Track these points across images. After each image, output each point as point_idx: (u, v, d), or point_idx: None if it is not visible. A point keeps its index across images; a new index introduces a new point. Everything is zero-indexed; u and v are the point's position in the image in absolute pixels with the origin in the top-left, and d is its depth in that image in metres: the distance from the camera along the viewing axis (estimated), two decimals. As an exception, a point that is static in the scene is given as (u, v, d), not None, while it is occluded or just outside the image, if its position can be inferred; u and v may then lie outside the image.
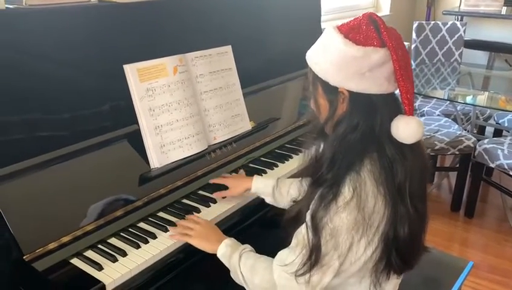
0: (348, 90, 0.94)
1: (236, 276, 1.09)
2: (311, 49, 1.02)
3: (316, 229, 0.93)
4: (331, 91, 0.97)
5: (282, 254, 1.03)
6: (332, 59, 0.94)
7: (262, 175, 1.52)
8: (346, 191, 0.92)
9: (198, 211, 1.31)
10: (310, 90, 1.04)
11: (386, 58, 0.91)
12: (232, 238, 1.16)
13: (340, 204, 0.92)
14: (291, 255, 0.99)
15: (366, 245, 0.95)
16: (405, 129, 0.92)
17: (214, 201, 1.35)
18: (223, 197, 1.37)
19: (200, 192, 1.41)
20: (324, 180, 0.95)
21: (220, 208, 1.33)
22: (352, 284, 1.04)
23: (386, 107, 0.95)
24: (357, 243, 0.94)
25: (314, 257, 0.93)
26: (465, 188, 2.81)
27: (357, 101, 0.94)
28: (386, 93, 0.95)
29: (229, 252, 1.11)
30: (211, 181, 1.42)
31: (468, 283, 2.11)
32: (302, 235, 0.98)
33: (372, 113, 0.94)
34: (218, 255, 1.13)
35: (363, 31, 0.92)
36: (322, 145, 1.02)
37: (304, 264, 0.95)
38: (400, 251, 0.97)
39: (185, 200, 1.36)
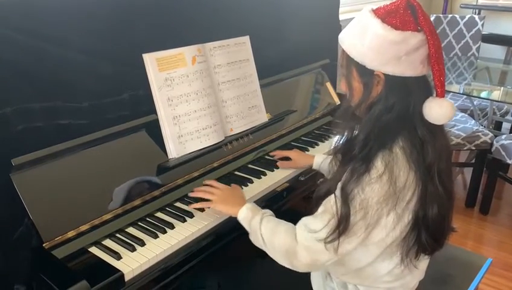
0: (383, 73, 0.96)
1: (256, 238, 1.11)
2: (346, 33, 1.01)
3: (346, 199, 0.95)
4: (367, 74, 0.98)
5: (306, 219, 1.05)
6: (370, 43, 0.95)
7: (278, 167, 1.51)
8: (379, 165, 0.94)
9: (215, 202, 1.30)
10: (343, 73, 1.05)
11: (422, 43, 0.93)
12: (253, 203, 1.19)
13: (374, 176, 0.94)
14: (318, 222, 1.01)
15: (395, 219, 0.97)
16: (439, 110, 0.94)
17: (231, 192, 1.35)
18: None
19: (217, 183, 1.40)
20: (357, 158, 0.96)
21: (237, 200, 1.32)
22: (382, 260, 1.05)
23: (419, 89, 0.97)
24: (386, 216, 0.96)
25: (342, 227, 0.95)
26: (480, 184, 2.77)
27: (392, 83, 0.96)
28: (419, 75, 0.96)
29: (250, 215, 1.13)
30: (272, 153, 1.54)
31: (483, 280, 2.09)
32: (330, 204, 0.99)
33: (406, 95, 0.96)
34: (239, 219, 1.15)
35: (400, 15, 0.93)
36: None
37: (332, 232, 0.97)
38: (430, 229, 0.99)
39: (201, 191, 1.35)
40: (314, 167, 1.45)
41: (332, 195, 0.99)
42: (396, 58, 0.93)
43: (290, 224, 1.08)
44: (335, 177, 1.02)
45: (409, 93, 0.96)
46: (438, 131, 0.98)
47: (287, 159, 1.51)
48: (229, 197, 1.21)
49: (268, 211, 1.16)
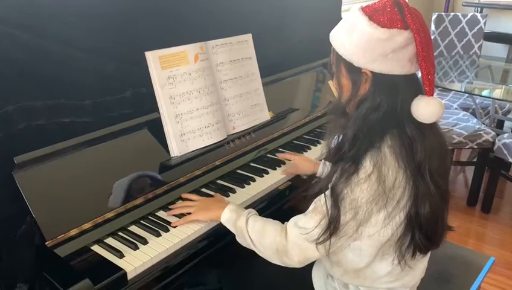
0: (371, 71, 0.95)
1: (243, 239, 1.11)
2: (335, 30, 1.02)
3: (336, 200, 0.95)
4: (355, 72, 0.98)
5: (296, 217, 1.06)
6: (357, 41, 0.95)
7: (281, 166, 1.50)
8: (368, 165, 0.94)
9: (217, 200, 1.29)
10: (333, 70, 1.05)
11: (409, 41, 0.93)
12: (235, 203, 1.19)
13: (362, 176, 0.93)
14: (309, 220, 1.02)
15: (386, 218, 0.96)
16: (426, 109, 0.93)
17: (234, 191, 1.34)
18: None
19: (219, 181, 1.40)
20: (346, 157, 0.96)
21: (240, 198, 1.31)
22: (380, 262, 1.05)
23: (407, 87, 0.96)
24: (376, 215, 0.96)
25: (333, 227, 0.96)
26: (482, 183, 2.77)
27: (380, 81, 0.96)
28: (407, 74, 0.96)
29: (234, 216, 1.13)
30: (279, 155, 1.52)
31: (485, 279, 2.08)
32: (320, 203, 1.00)
33: (394, 93, 0.95)
34: (223, 221, 1.15)
35: (387, 13, 0.93)
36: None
37: (323, 233, 0.97)
38: (423, 228, 0.98)
39: (203, 190, 1.35)
40: (318, 174, 1.44)
41: (323, 194, 1.00)
42: (383, 55, 0.93)
43: (277, 222, 1.09)
44: (327, 176, 1.01)
45: (396, 91, 0.95)
46: (427, 130, 0.97)
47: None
48: (208, 204, 1.21)
49: (252, 211, 1.16)
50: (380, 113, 0.95)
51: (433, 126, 0.99)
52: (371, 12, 0.94)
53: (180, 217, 1.19)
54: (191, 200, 1.25)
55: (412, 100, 0.95)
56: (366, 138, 0.95)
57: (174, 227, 1.16)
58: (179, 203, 1.25)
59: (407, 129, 0.95)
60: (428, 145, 0.96)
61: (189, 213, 1.19)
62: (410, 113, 0.95)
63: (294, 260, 1.04)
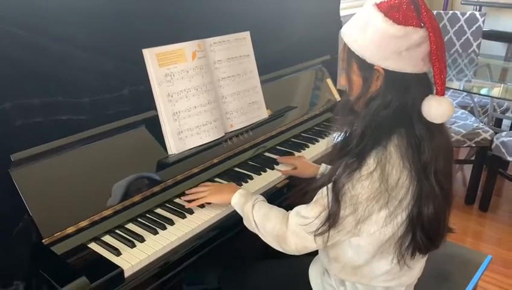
0: (383, 69, 0.95)
1: (249, 223, 1.15)
2: (348, 26, 1.01)
3: (338, 194, 0.96)
4: (367, 68, 0.97)
5: (300, 207, 1.08)
6: (371, 37, 0.94)
7: (278, 164, 1.50)
8: (371, 162, 0.94)
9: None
10: (343, 66, 1.04)
11: (423, 39, 0.92)
12: (246, 189, 1.23)
13: (364, 173, 0.93)
14: (310, 210, 1.03)
15: (387, 217, 0.96)
16: (438, 109, 0.93)
17: (231, 189, 1.34)
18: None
19: (217, 179, 1.40)
20: (351, 152, 0.96)
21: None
22: (378, 260, 1.05)
23: (419, 86, 0.96)
24: (377, 213, 0.96)
25: (332, 220, 0.97)
26: (480, 181, 2.77)
27: (392, 79, 0.95)
28: (419, 72, 0.96)
29: (242, 200, 1.17)
30: (279, 159, 1.51)
31: (482, 277, 2.09)
32: (322, 196, 1.01)
33: (405, 91, 0.95)
34: (232, 204, 1.19)
35: (403, 10, 0.92)
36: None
37: (322, 225, 0.98)
38: (425, 229, 0.98)
39: (201, 188, 1.35)
40: (319, 176, 1.43)
41: (325, 187, 1.00)
42: (396, 53, 0.92)
43: (282, 210, 1.12)
44: (331, 170, 1.01)
45: (407, 90, 0.95)
46: (436, 130, 0.97)
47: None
48: (221, 189, 1.26)
49: (260, 197, 1.19)
50: (390, 111, 0.95)
51: (441, 127, 0.99)
52: (386, 9, 0.94)
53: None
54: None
55: (422, 99, 0.95)
56: (374, 135, 0.95)
57: (173, 224, 1.16)
58: (194, 188, 1.30)
59: (416, 128, 0.95)
60: (435, 145, 0.96)
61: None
62: (420, 113, 0.95)
63: (292, 247, 1.07)
